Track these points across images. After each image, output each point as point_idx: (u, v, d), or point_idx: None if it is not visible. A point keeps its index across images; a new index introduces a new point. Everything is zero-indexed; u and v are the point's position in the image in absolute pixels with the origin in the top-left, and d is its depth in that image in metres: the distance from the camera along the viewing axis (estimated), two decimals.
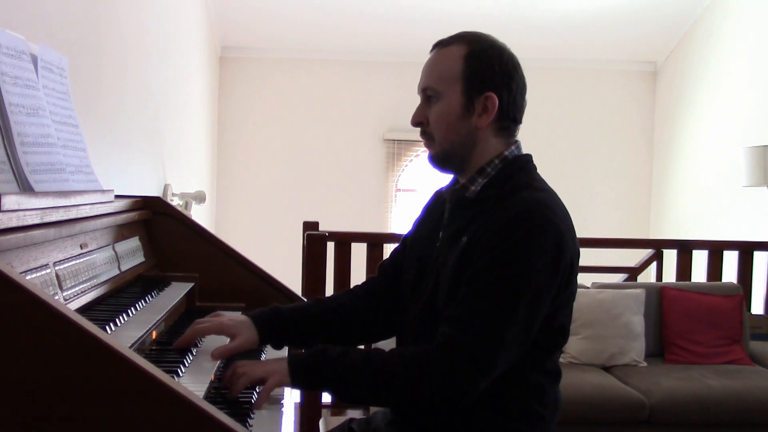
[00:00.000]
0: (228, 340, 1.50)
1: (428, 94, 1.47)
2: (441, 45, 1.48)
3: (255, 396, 1.32)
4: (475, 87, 1.43)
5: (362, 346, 1.99)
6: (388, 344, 1.63)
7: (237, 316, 1.54)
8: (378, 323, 1.63)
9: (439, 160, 1.49)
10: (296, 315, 1.55)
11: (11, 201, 1.15)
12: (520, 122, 1.50)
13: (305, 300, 1.98)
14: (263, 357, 1.59)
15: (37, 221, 1.22)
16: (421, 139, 1.52)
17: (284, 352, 1.61)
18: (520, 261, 1.32)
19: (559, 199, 1.44)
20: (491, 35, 1.49)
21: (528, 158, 1.51)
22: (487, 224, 1.37)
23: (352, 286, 3.59)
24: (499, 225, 1.35)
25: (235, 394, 1.29)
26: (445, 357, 1.30)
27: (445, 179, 1.61)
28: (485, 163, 1.47)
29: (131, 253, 1.77)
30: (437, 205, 1.60)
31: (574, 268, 1.41)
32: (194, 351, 1.45)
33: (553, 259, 1.34)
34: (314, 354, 1.35)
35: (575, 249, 1.41)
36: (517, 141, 1.51)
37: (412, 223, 1.67)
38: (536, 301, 1.34)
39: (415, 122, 1.50)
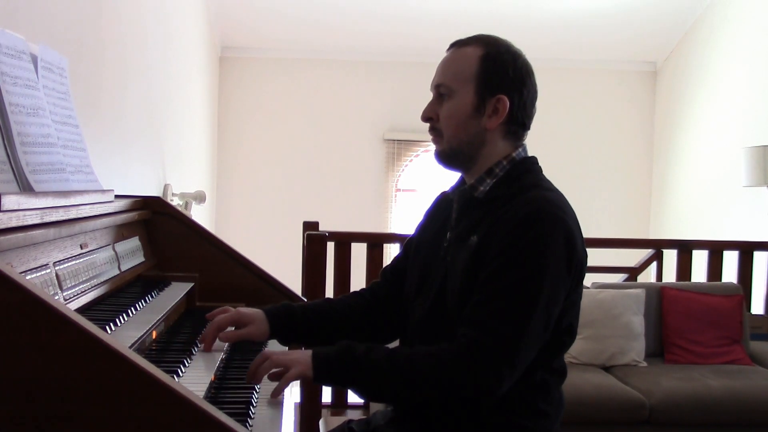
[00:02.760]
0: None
1: (441, 91, 1.48)
2: (458, 44, 1.50)
3: (255, 395, 1.32)
4: (487, 88, 1.44)
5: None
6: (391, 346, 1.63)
7: (251, 309, 1.57)
8: (381, 327, 1.64)
9: (446, 157, 1.51)
10: (307, 313, 1.58)
11: (11, 201, 1.15)
12: (529, 128, 1.52)
13: (305, 300, 1.99)
14: (264, 349, 1.60)
15: (37, 221, 1.22)
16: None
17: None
18: (535, 260, 1.34)
19: (566, 200, 1.45)
20: (508, 40, 1.50)
21: (534, 160, 1.53)
22: (498, 224, 1.38)
23: (351, 285, 3.63)
24: (511, 224, 1.36)
25: (260, 377, 1.33)
26: (470, 359, 1.31)
27: (446, 181, 1.62)
28: (493, 164, 1.48)
29: (131, 253, 1.78)
30: (442, 207, 1.61)
31: (583, 266, 1.43)
32: (195, 350, 1.46)
33: (565, 257, 1.36)
34: (339, 351, 1.36)
35: (584, 248, 1.43)
36: (523, 144, 1.53)
37: (415, 227, 1.67)
38: (552, 299, 1.35)
39: (425, 117, 1.51)
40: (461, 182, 1.57)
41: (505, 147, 1.49)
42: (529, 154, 1.53)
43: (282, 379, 1.32)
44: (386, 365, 1.34)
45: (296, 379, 1.34)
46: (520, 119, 1.48)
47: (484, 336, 1.32)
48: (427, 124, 1.52)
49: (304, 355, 1.36)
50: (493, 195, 1.46)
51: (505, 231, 1.36)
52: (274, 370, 1.34)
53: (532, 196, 1.40)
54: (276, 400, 1.34)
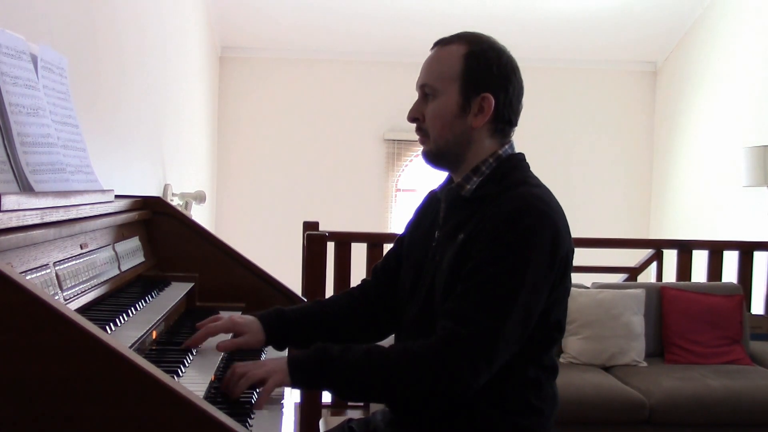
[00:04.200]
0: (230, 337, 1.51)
1: (426, 91, 1.48)
2: (441, 43, 1.50)
3: (255, 396, 1.32)
4: (472, 87, 1.44)
5: None
6: (385, 344, 1.63)
7: (244, 315, 1.56)
8: (372, 325, 1.64)
9: (433, 157, 1.51)
10: (299, 317, 1.57)
11: (11, 201, 1.15)
12: (516, 125, 1.52)
13: (305, 300, 1.99)
14: (263, 357, 1.59)
15: (37, 221, 1.22)
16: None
17: (285, 353, 1.62)
18: (518, 255, 1.33)
19: (553, 196, 1.45)
20: (492, 37, 1.50)
21: (521, 156, 1.52)
22: (485, 220, 1.38)
23: (351, 285, 3.60)
24: (497, 220, 1.36)
25: (237, 395, 1.29)
26: (446, 350, 1.31)
27: (438, 180, 1.62)
28: (480, 162, 1.48)
29: (131, 253, 1.77)
30: (431, 206, 1.61)
31: (569, 262, 1.43)
32: (194, 351, 1.46)
33: (550, 253, 1.36)
34: (313, 353, 1.36)
35: (570, 244, 1.43)
36: (510, 140, 1.52)
37: (406, 225, 1.67)
38: (534, 295, 1.35)
39: (411, 118, 1.51)
40: (449, 181, 1.57)
41: (491, 145, 1.49)
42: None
43: (262, 392, 1.30)
44: (362, 363, 1.33)
45: (276, 388, 1.33)
46: (506, 116, 1.47)
47: (462, 327, 1.31)
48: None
49: (280, 362, 1.34)
50: (480, 193, 1.46)
51: (491, 227, 1.36)
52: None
53: (518, 193, 1.40)
54: (275, 399, 1.33)
